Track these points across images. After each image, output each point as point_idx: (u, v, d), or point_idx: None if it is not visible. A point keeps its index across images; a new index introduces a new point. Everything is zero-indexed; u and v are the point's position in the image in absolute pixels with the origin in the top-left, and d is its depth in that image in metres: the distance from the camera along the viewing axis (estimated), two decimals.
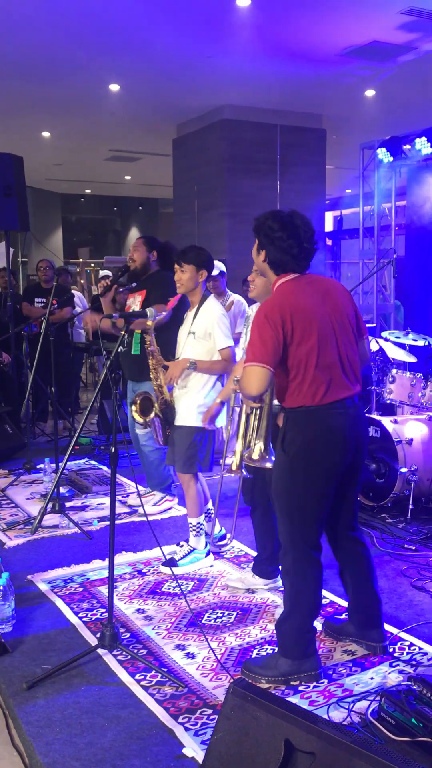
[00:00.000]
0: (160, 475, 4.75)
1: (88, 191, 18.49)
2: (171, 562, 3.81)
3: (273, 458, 2.92)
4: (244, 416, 3.03)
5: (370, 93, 8.83)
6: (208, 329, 3.75)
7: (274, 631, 2.90)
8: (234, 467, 3.06)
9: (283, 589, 2.89)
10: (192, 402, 3.79)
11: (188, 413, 3.79)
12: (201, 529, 3.89)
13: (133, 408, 3.92)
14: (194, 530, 3.89)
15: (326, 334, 2.66)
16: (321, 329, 2.65)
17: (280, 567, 3.23)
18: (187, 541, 3.92)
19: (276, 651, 2.82)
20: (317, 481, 2.70)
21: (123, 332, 3.11)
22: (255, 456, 2.96)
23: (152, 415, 3.89)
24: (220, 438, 4.91)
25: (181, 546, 3.91)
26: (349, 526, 2.93)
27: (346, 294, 2.85)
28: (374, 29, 6.79)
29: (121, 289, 7.07)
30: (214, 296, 3.91)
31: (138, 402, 3.96)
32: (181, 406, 3.84)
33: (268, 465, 2.93)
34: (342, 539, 2.93)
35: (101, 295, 4.63)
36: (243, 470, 3.09)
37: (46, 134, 11.19)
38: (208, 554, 3.92)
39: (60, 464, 4.77)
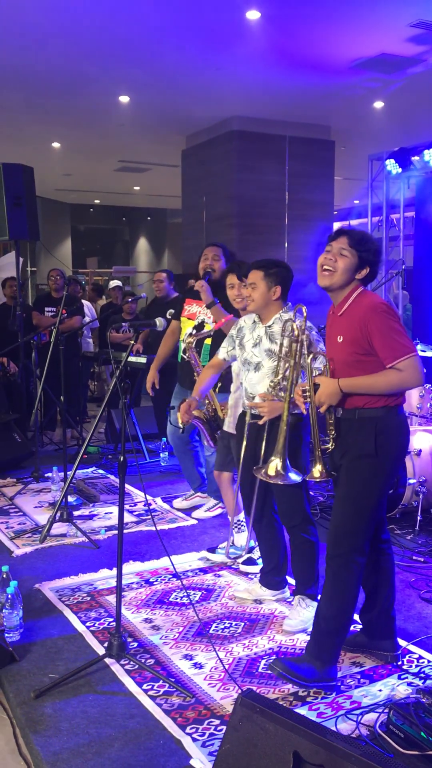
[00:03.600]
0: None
1: (97, 201, 18.59)
2: (212, 549, 4.08)
3: (291, 476, 2.94)
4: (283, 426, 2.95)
5: (378, 104, 8.85)
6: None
7: (310, 631, 2.87)
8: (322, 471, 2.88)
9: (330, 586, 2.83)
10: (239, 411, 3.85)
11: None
12: (243, 525, 4.05)
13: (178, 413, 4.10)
14: (236, 527, 4.05)
15: None
16: None
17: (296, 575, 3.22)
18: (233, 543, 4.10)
19: (305, 653, 2.83)
20: (390, 483, 2.81)
21: (132, 341, 3.12)
22: (271, 472, 2.96)
23: (189, 421, 4.07)
24: None
25: (222, 547, 4.11)
26: (381, 534, 2.96)
27: None
28: (383, 41, 6.82)
29: (129, 299, 7.10)
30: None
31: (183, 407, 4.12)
32: (231, 414, 3.91)
33: (279, 482, 2.95)
34: (374, 548, 2.93)
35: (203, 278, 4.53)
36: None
37: (56, 145, 11.26)
38: (250, 550, 4.05)
39: (69, 473, 4.79)
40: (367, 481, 2.73)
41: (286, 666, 2.80)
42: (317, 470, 2.82)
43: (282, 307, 3.30)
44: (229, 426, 3.93)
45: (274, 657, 2.93)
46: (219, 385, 4.38)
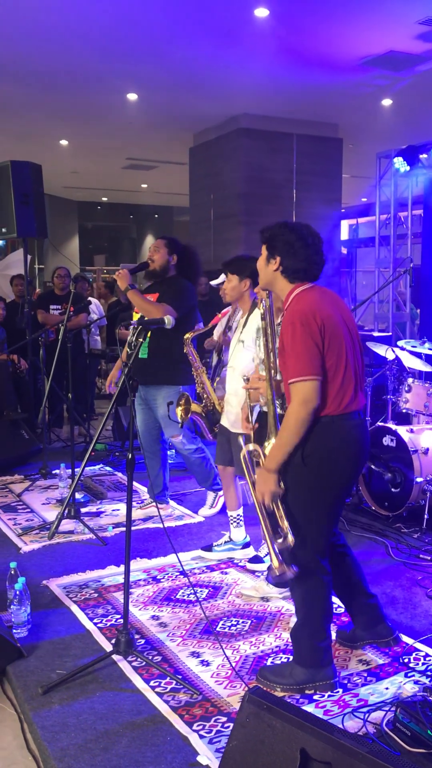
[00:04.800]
0: (205, 471, 4.79)
1: (104, 199, 18.62)
2: (208, 548, 4.04)
3: None
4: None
5: (386, 102, 8.83)
6: (257, 337, 3.78)
7: (290, 640, 2.89)
8: (276, 567, 2.69)
9: (292, 598, 2.88)
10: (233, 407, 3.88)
11: (238, 419, 3.82)
12: (240, 520, 4.05)
13: (179, 409, 4.10)
14: (234, 522, 4.07)
15: (347, 343, 2.65)
16: (344, 338, 2.63)
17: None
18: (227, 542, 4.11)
19: (291, 659, 2.82)
20: (335, 492, 2.69)
21: (140, 339, 3.12)
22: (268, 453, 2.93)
23: (187, 416, 4.09)
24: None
25: (219, 545, 4.11)
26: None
27: (347, 306, 2.86)
28: (391, 39, 6.80)
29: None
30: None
31: (182, 404, 4.18)
32: (233, 412, 3.86)
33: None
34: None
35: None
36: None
37: (64, 142, 11.28)
38: (245, 546, 4.01)
39: (77, 470, 4.80)
40: (297, 491, 2.66)
41: (270, 675, 2.77)
42: (276, 567, 2.67)
43: None
44: (225, 421, 3.97)
45: (260, 667, 2.87)
46: (217, 379, 4.40)
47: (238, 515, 4.15)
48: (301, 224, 2.75)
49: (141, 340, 3.61)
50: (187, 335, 4.37)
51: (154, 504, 4.85)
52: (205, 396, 4.33)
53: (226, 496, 4.16)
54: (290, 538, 2.66)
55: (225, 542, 4.11)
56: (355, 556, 3.03)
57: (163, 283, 4.58)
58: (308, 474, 2.64)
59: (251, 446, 2.86)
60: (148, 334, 4.45)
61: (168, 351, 4.43)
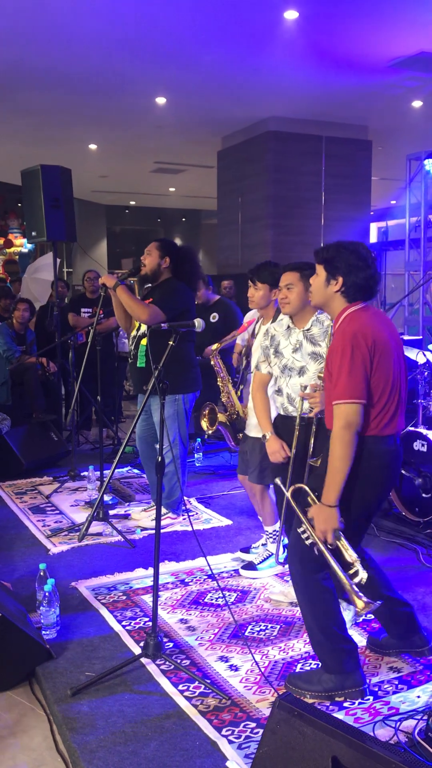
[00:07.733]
0: (169, 489, 4.60)
1: (132, 203, 18.71)
2: (250, 566, 3.89)
3: None
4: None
5: (417, 104, 8.76)
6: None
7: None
8: (361, 607, 2.57)
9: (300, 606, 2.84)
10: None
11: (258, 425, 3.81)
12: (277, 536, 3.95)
13: (204, 420, 4.06)
14: (271, 537, 3.96)
15: (395, 365, 2.64)
16: (393, 360, 2.63)
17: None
18: (264, 545, 4.00)
19: (320, 666, 2.79)
20: (358, 513, 2.68)
21: (171, 342, 3.12)
22: None
23: (214, 426, 4.04)
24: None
25: (256, 547, 4.01)
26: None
27: (395, 327, 2.84)
28: (422, 39, 6.75)
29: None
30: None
31: (206, 413, 4.05)
32: (254, 418, 3.84)
33: None
34: None
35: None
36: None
37: (92, 147, 11.36)
38: (285, 562, 3.97)
39: (107, 472, 4.80)
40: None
41: (299, 682, 2.75)
42: (361, 607, 2.55)
43: (317, 310, 3.27)
44: (249, 429, 3.94)
45: (289, 674, 2.85)
46: (241, 387, 4.37)
47: (274, 531, 4.06)
48: (357, 243, 2.73)
49: (145, 343, 3.51)
50: (215, 346, 4.32)
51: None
52: (229, 405, 4.29)
53: (261, 512, 4.03)
54: (362, 573, 2.56)
55: (268, 556, 3.93)
56: (380, 566, 2.98)
57: (156, 288, 4.47)
58: (354, 488, 2.62)
59: (298, 486, 2.81)
60: (144, 342, 4.35)
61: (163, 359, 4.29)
